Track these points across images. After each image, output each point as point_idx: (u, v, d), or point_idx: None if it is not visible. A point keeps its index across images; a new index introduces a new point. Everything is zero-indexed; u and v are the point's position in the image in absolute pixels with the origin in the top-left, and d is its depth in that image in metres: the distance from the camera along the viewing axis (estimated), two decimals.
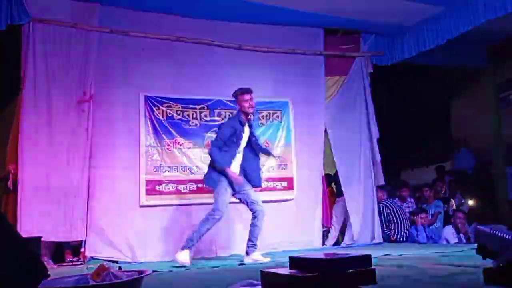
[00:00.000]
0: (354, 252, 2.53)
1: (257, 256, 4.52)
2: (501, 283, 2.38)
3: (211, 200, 4.98)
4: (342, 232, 6.41)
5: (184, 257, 4.33)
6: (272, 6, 5.51)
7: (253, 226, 4.59)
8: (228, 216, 5.24)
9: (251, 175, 4.66)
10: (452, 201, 7.01)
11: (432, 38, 5.90)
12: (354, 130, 6.39)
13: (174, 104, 5.62)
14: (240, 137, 4.57)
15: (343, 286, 2.25)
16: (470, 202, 6.89)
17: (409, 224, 6.38)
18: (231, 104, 5.81)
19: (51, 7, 5.16)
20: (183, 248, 4.39)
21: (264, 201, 5.73)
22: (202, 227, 4.44)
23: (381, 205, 6.41)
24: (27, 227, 4.62)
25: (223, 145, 4.51)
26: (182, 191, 5.50)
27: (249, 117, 4.68)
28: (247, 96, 4.59)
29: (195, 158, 5.58)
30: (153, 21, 5.58)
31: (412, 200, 7.06)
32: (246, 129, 4.67)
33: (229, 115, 5.84)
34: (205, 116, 5.72)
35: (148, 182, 5.36)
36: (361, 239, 6.08)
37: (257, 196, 4.68)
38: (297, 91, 6.18)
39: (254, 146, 4.73)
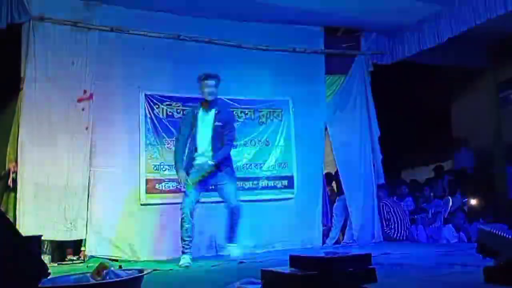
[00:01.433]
0: (354, 251, 2.53)
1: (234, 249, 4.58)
2: (501, 282, 2.38)
3: (211, 199, 4.99)
4: (342, 231, 6.41)
5: (184, 260, 4.33)
6: (273, 4, 5.50)
7: (230, 222, 4.60)
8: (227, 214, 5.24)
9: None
10: (450, 200, 6.99)
11: (433, 37, 5.89)
12: (355, 129, 6.40)
13: (174, 102, 5.61)
14: (195, 120, 4.54)
15: (344, 284, 2.25)
16: (473, 202, 6.89)
17: (409, 223, 6.38)
18: (231, 103, 5.81)
19: (51, 5, 5.14)
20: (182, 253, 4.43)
21: (264, 200, 5.75)
22: (181, 231, 4.45)
23: (381, 204, 6.41)
24: (27, 226, 4.62)
25: (181, 134, 4.63)
26: (182, 189, 5.48)
27: (211, 104, 4.57)
28: (208, 83, 4.52)
29: None
30: (153, 20, 5.57)
31: (410, 198, 7.05)
32: (208, 117, 4.56)
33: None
34: None
35: (148, 181, 5.35)
36: (361, 238, 6.07)
37: (230, 192, 4.59)
38: (298, 90, 6.17)
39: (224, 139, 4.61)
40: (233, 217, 4.57)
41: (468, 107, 8.21)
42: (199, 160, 4.53)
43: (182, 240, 4.43)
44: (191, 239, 4.45)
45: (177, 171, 4.56)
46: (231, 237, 4.62)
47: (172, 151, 5.47)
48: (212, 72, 4.59)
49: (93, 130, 5.17)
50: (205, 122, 4.57)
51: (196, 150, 4.56)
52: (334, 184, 6.87)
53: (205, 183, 4.57)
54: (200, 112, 4.60)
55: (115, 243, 5.08)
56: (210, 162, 4.48)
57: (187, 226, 4.42)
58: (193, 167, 4.53)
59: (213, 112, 4.59)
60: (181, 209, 4.47)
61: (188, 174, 4.51)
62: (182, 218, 4.44)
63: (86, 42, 5.25)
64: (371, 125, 6.46)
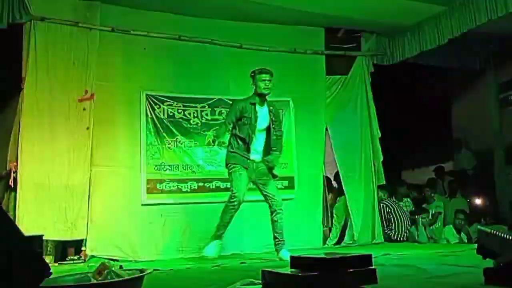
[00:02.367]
0: (354, 252, 2.54)
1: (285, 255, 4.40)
2: (501, 283, 2.39)
3: (212, 199, 4.99)
4: (342, 232, 6.41)
5: (209, 250, 4.38)
6: (274, 5, 5.51)
7: (272, 222, 4.54)
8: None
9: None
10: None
11: (433, 37, 5.89)
12: (355, 129, 6.40)
13: (175, 102, 5.62)
14: (250, 118, 4.48)
15: (344, 285, 2.25)
16: (475, 203, 6.89)
17: (410, 224, 6.38)
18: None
19: (53, 5, 5.16)
20: (212, 239, 4.43)
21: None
22: (223, 216, 4.41)
23: (381, 204, 6.41)
24: (27, 226, 4.61)
25: (232, 127, 4.56)
26: (183, 190, 5.50)
27: (264, 99, 4.56)
28: (264, 76, 4.51)
29: (196, 156, 5.58)
30: (155, 20, 5.58)
31: (409, 199, 7.05)
32: (263, 111, 4.56)
33: None
34: (206, 115, 5.72)
35: (149, 181, 5.36)
36: (361, 239, 6.08)
37: (274, 187, 4.58)
38: (298, 90, 6.18)
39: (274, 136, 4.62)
40: (281, 217, 4.50)
41: (469, 108, 8.21)
42: (253, 156, 4.49)
43: (224, 225, 4.39)
44: (229, 224, 4.43)
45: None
46: (279, 240, 4.52)
47: (172, 151, 5.51)
48: (266, 68, 4.59)
49: (94, 130, 5.17)
50: (262, 117, 4.54)
51: (242, 144, 4.50)
52: (335, 184, 6.85)
53: (250, 176, 4.50)
54: (257, 106, 4.54)
55: (116, 243, 5.09)
56: (258, 159, 4.49)
57: (232, 215, 4.39)
58: (244, 161, 4.45)
59: (267, 107, 4.59)
60: (234, 196, 4.36)
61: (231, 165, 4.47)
62: (233, 204, 4.35)
63: (87, 42, 5.25)
64: (371, 125, 6.46)
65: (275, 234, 4.54)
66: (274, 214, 4.52)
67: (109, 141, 5.27)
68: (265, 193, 4.55)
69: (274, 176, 4.59)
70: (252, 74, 4.59)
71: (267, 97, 4.61)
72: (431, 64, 6.91)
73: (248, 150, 4.49)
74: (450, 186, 7.55)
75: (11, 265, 1.78)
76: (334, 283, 2.23)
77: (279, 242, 4.53)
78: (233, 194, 4.39)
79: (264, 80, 4.51)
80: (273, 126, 4.59)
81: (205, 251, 4.44)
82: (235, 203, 4.38)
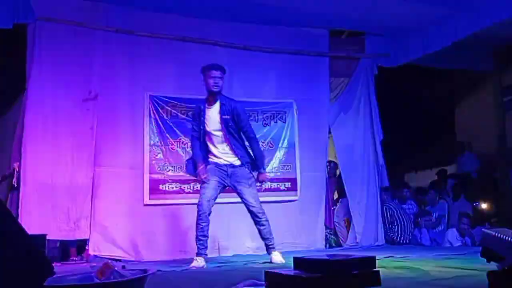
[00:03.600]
0: (358, 254, 2.53)
1: (275, 257, 4.32)
2: (505, 287, 2.37)
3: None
4: (343, 233, 6.41)
5: (197, 262, 4.21)
6: (278, 6, 5.52)
7: (256, 226, 4.41)
8: (230, 215, 5.24)
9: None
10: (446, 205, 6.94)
11: (438, 40, 5.89)
12: (358, 131, 6.40)
13: (179, 103, 5.62)
14: (202, 117, 4.27)
15: (348, 287, 2.25)
16: (480, 206, 6.87)
17: (413, 226, 6.36)
18: None
19: (58, 6, 5.18)
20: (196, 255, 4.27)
21: (267, 202, 5.74)
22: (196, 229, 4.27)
23: (384, 207, 6.40)
24: (29, 225, 4.61)
25: (194, 130, 4.37)
26: (186, 190, 5.51)
27: (216, 97, 4.28)
28: (213, 73, 4.26)
29: None
30: (159, 21, 5.59)
31: (412, 202, 7.02)
32: (213, 110, 4.28)
33: None
34: None
35: (152, 181, 5.36)
36: (364, 241, 6.07)
37: (251, 194, 4.35)
38: (302, 92, 6.18)
39: (243, 136, 4.38)
40: (260, 221, 4.35)
41: (472, 111, 8.20)
42: (215, 160, 4.30)
43: (198, 239, 4.22)
44: (206, 238, 4.24)
45: (197, 165, 4.27)
46: (267, 244, 4.39)
47: (176, 152, 5.52)
48: (217, 63, 4.39)
49: (98, 130, 5.19)
50: (212, 117, 4.28)
51: (209, 148, 4.32)
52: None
53: (224, 182, 4.34)
54: (206, 107, 4.31)
55: (119, 243, 5.10)
56: (236, 163, 4.30)
57: (203, 224, 4.20)
58: (210, 166, 4.29)
59: (218, 104, 4.27)
60: (198, 205, 4.23)
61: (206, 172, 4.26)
62: (199, 216, 4.19)
63: (92, 43, 5.27)
64: (374, 128, 6.45)
65: (263, 239, 4.41)
66: (256, 221, 4.39)
67: (112, 141, 5.28)
68: (243, 201, 4.38)
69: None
70: (202, 70, 4.35)
71: (218, 95, 4.30)
72: (435, 66, 6.90)
73: (207, 156, 4.32)
74: (453, 189, 7.53)
75: (15, 264, 1.78)
76: (337, 285, 2.22)
77: (271, 245, 4.39)
78: (198, 203, 4.27)
79: (214, 77, 4.25)
80: (233, 124, 4.28)
81: (192, 265, 4.19)
82: (199, 212, 4.22)
